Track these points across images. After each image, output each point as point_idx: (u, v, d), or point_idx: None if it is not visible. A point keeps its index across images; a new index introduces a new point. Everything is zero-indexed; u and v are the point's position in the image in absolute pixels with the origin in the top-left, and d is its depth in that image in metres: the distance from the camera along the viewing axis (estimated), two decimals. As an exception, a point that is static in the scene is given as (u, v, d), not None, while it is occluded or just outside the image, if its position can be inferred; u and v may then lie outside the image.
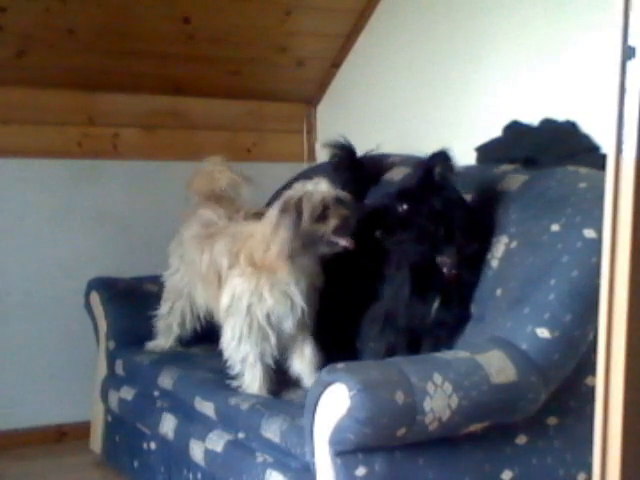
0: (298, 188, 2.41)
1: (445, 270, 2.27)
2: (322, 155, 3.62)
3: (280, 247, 2.33)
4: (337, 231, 2.33)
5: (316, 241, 2.35)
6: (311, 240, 2.34)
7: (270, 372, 2.46)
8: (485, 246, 2.33)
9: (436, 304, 2.30)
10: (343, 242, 2.34)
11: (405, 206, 2.26)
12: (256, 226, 2.49)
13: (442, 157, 2.23)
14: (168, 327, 2.95)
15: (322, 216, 2.33)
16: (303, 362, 2.48)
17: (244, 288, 2.41)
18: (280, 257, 2.34)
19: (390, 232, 2.28)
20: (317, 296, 2.48)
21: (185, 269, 2.84)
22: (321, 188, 2.37)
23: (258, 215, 2.69)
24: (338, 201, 2.37)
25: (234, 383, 2.46)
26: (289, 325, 2.42)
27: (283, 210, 2.35)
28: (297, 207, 2.33)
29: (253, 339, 2.42)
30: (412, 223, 2.25)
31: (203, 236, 2.68)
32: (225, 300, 2.47)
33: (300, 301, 2.40)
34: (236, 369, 2.47)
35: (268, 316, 2.40)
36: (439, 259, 2.27)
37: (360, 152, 2.92)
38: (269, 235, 2.37)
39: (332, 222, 2.34)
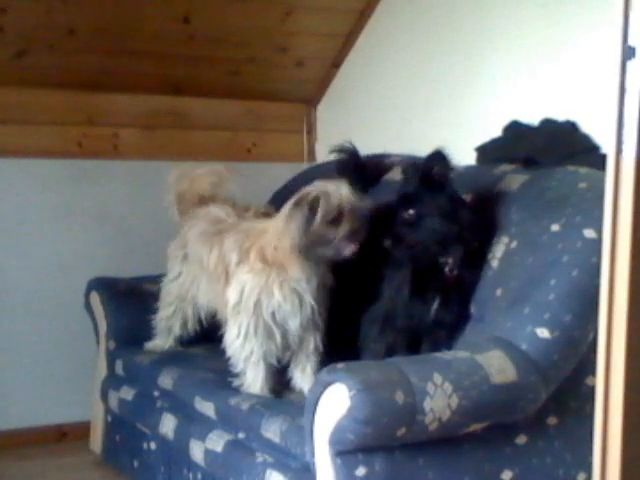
0: (318, 186, 2.36)
1: (447, 270, 2.27)
2: (322, 155, 3.63)
3: (290, 241, 2.30)
4: (346, 238, 2.29)
5: (323, 243, 2.31)
6: (319, 241, 2.30)
7: (272, 372, 2.44)
8: (485, 245, 2.33)
9: (436, 304, 2.30)
10: (348, 250, 2.30)
11: (411, 211, 2.25)
12: (269, 222, 2.46)
13: (439, 157, 2.23)
14: (169, 328, 2.95)
15: (335, 220, 2.29)
16: (304, 377, 2.46)
17: (254, 284, 2.38)
18: (291, 251, 2.31)
19: (399, 239, 2.26)
20: (327, 295, 2.45)
21: (188, 270, 2.82)
22: (341, 192, 2.32)
23: (268, 214, 2.67)
24: (354, 209, 2.32)
25: (235, 382, 2.46)
26: (295, 324, 2.39)
27: (297, 204, 2.31)
28: (312, 204, 2.29)
29: (259, 338, 2.40)
30: (423, 227, 2.24)
31: (212, 232, 2.64)
32: (233, 296, 2.43)
33: (310, 299, 2.37)
34: (238, 367, 2.46)
35: (274, 314, 2.38)
36: (442, 259, 2.27)
37: (362, 153, 2.92)
38: (280, 229, 2.34)
39: (344, 228, 2.29)
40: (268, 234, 2.40)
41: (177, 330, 2.93)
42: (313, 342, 2.46)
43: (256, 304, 2.38)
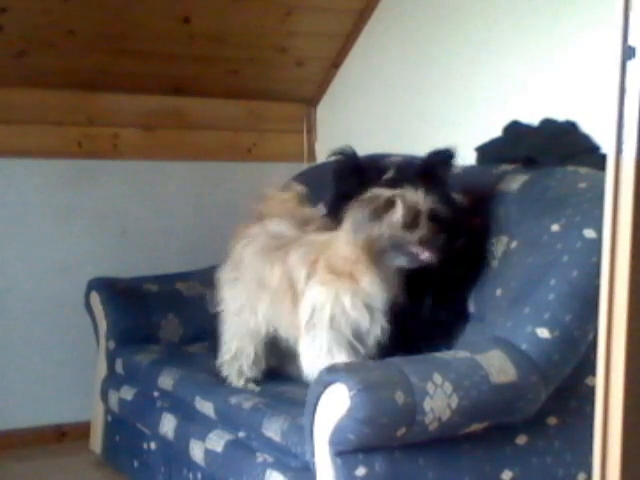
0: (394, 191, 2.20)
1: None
2: (322, 155, 3.63)
3: (363, 243, 2.14)
4: (423, 242, 2.13)
5: (397, 249, 2.15)
6: (392, 246, 2.15)
7: None
8: (480, 244, 2.33)
9: (428, 301, 2.29)
10: (426, 255, 2.13)
11: (391, 174, 2.29)
12: (333, 234, 2.28)
13: (444, 155, 2.25)
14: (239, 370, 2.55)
15: (411, 224, 2.13)
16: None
17: (324, 298, 2.20)
18: (363, 254, 2.15)
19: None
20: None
21: (243, 288, 2.52)
22: (418, 196, 2.17)
23: (330, 228, 2.40)
24: (433, 215, 2.16)
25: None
26: (372, 339, 2.21)
27: (371, 203, 2.15)
28: (387, 205, 2.14)
29: (344, 354, 2.19)
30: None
31: (272, 248, 2.41)
32: (305, 312, 2.24)
33: (381, 317, 2.19)
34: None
35: (355, 330, 2.19)
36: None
37: (362, 153, 2.92)
38: (351, 233, 2.17)
39: (421, 232, 2.13)
40: (335, 244, 2.24)
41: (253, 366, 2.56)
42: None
43: (331, 319, 2.19)
